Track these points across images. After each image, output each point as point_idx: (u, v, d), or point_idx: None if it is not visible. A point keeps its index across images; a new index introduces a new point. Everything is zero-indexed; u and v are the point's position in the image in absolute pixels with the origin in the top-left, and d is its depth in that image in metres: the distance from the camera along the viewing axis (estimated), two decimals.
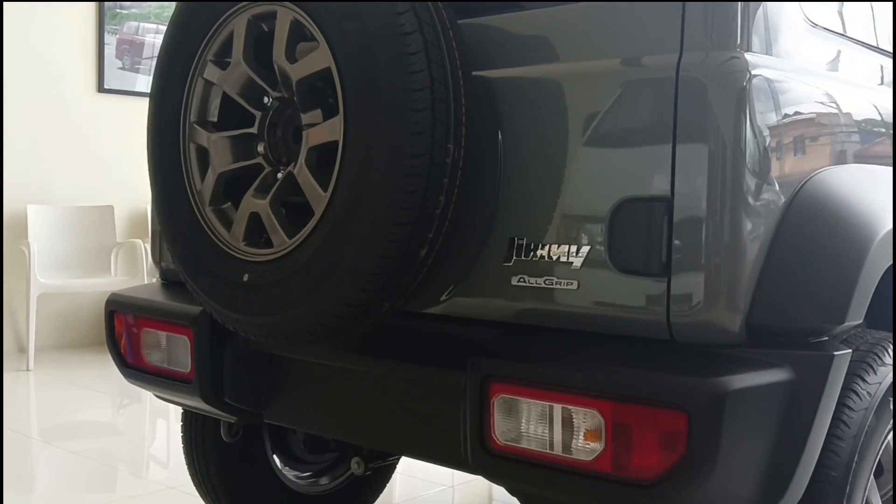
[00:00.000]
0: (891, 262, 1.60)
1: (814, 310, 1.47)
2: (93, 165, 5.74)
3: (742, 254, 1.43)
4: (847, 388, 1.53)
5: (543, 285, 1.56)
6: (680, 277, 1.43)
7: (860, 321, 1.54)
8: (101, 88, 5.78)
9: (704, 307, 1.42)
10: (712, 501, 1.40)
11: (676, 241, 1.43)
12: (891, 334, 1.68)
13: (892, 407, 1.62)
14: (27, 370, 5.01)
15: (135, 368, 2.17)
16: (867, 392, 1.56)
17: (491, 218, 1.62)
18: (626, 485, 1.40)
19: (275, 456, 2.50)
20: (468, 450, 1.57)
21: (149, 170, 1.90)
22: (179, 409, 2.49)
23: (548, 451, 1.48)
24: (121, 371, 2.21)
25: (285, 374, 2.03)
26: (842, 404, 1.52)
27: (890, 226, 1.59)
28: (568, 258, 1.53)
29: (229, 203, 1.77)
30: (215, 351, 1.98)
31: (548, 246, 1.55)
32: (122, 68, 5.87)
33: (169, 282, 2.24)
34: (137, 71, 5.93)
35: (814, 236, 1.49)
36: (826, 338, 1.52)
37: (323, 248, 1.58)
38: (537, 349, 1.57)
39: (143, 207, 5.82)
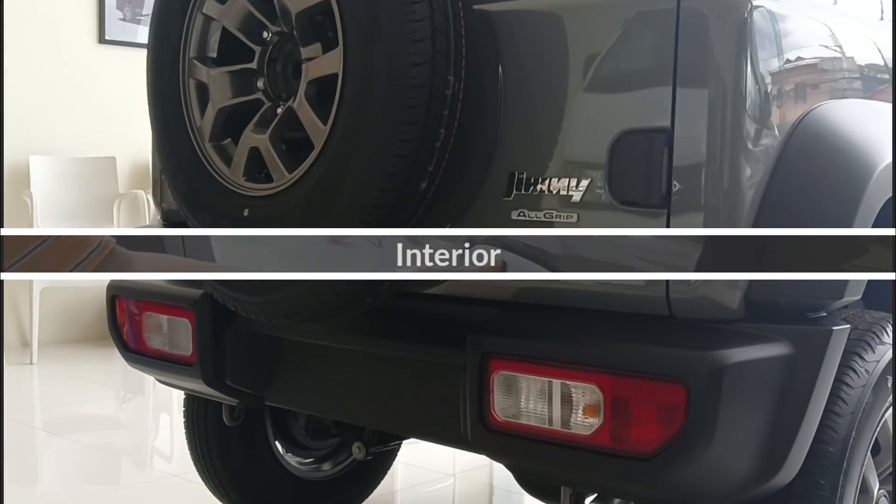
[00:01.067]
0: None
1: (812, 285, 1.47)
2: (94, 117, 5.65)
3: (742, 208, 1.43)
4: (845, 366, 1.54)
5: (543, 219, 1.54)
6: None
7: (858, 297, 1.55)
8: (101, 39, 5.71)
9: (703, 283, 1.43)
10: (710, 474, 1.41)
11: (678, 185, 1.42)
12: (890, 314, 1.69)
13: (890, 385, 1.62)
14: (31, 364, 5.02)
15: (137, 353, 2.17)
16: (865, 370, 1.57)
17: (491, 151, 1.61)
18: (625, 458, 1.41)
19: (277, 442, 2.51)
20: (468, 427, 1.58)
21: (148, 106, 1.89)
22: (182, 403, 2.50)
23: (547, 426, 1.48)
24: (123, 356, 2.22)
25: (286, 355, 2.03)
26: (840, 381, 1.53)
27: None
28: (568, 191, 1.52)
29: (229, 139, 1.76)
30: (216, 333, 1.98)
31: (548, 179, 1.54)
32: (123, 19, 5.81)
33: (170, 223, 2.22)
34: (138, 22, 5.85)
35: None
36: (825, 313, 1.52)
37: (323, 181, 1.57)
38: (536, 325, 1.57)
39: (145, 159, 5.70)
